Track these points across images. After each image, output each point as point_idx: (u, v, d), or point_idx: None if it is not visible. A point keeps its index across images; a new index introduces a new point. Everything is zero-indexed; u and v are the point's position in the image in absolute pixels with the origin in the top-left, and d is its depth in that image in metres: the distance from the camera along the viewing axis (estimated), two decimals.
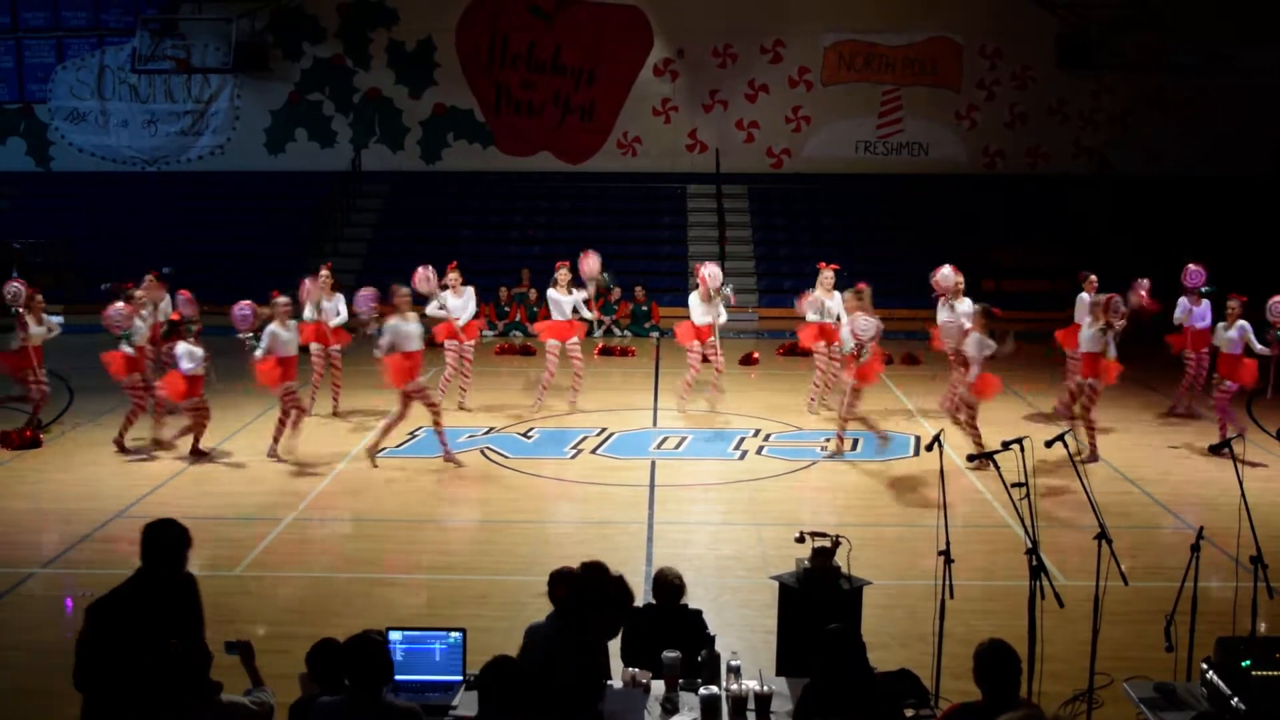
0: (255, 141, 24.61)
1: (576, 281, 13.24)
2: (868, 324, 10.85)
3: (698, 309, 12.94)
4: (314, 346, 12.80)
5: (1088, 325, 11.13)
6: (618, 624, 5.47)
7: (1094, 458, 11.08)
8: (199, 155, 24.80)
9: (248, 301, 11.40)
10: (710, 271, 12.95)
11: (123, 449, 11.46)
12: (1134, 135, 23.69)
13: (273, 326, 10.97)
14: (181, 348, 10.99)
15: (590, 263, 13.24)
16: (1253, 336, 11.27)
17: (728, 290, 13.05)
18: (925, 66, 23.97)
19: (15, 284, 11.97)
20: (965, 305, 12.83)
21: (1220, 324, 11.63)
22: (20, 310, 11.87)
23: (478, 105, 24.49)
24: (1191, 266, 12.84)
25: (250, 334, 11.06)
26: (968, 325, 10.83)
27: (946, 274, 12.52)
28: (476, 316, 13.42)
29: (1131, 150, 23.68)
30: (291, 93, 24.47)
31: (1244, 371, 11.27)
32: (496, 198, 23.96)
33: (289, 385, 11.10)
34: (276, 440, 11.34)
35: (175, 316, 11.38)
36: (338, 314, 13.00)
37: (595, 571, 5.35)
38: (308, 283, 13.00)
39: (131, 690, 4.31)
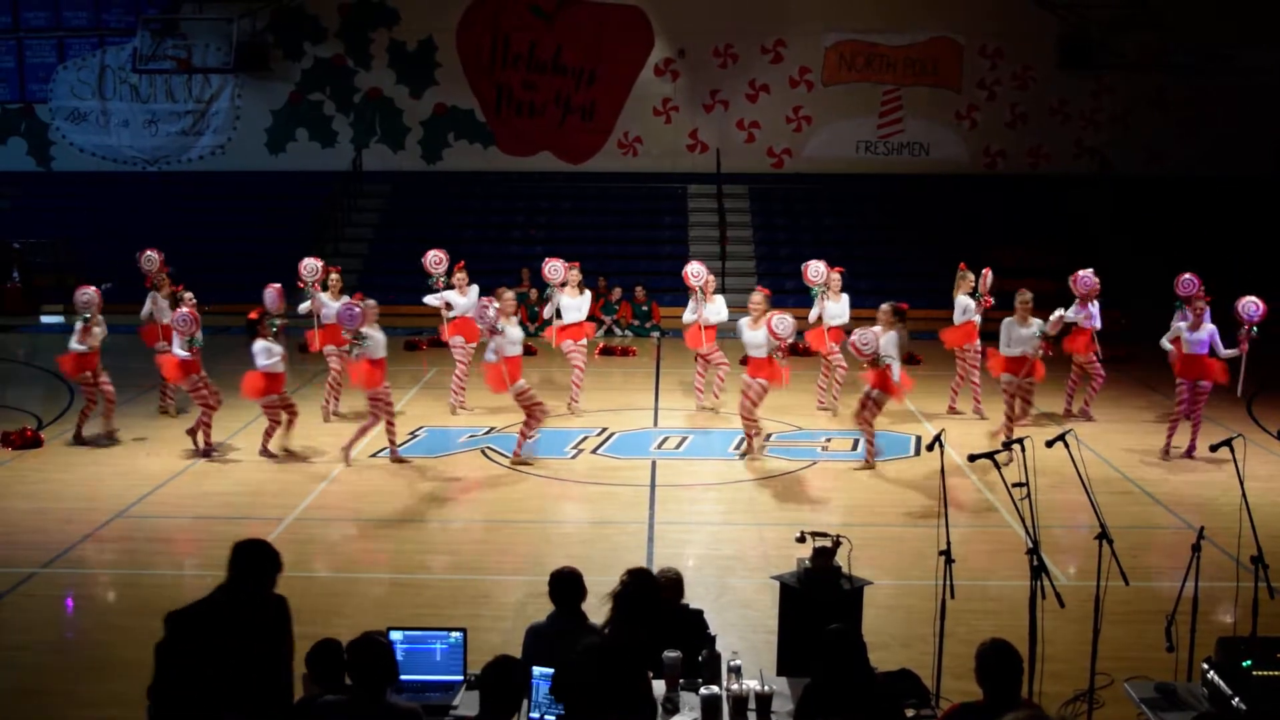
0: (256, 141, 24.60)
1: (584, 283, 13.42)
2: (786, 323, 10.88)
3: (696, 310, 13.01)
4: (329, 349, 12.81)
5: (1016, 322, 11.47)
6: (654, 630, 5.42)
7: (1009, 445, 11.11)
8: (200, 155, 24.79)
9: (352, 300, 11.36)
10: (693, 270, 13.08)
11: (201, 451, 11.46)
12: (1134, 135, 23.67)
13: (364, 329, 10.93)
14: (259, 344, 10.96)
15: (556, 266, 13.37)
16: (1219, 340, 11.30)
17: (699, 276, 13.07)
18: (926, 66, 23.95)
19: (89, 289, 11.88)
20: (968, 301, 12.91)
21: (1181, 324, 11.61)
22: (89, 317, 11.81)
23: (479, 105, 24.48)
24: (1185, 276, 12.76)
25: (358, 334, 10.91)
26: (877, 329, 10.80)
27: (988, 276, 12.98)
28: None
29: (1132, 150, 23.66)
30: (292, 93, 24.46)
31: (1214, 370, 11.30)
32: (497, 198, 23.95)
33: (381, 389, 11.00)
34: (392, 444, 11.28)
35: (254, 315, 11.26)
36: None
37: (643, 578, 5.32)
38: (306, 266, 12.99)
39: (209, 701, 4.30)
